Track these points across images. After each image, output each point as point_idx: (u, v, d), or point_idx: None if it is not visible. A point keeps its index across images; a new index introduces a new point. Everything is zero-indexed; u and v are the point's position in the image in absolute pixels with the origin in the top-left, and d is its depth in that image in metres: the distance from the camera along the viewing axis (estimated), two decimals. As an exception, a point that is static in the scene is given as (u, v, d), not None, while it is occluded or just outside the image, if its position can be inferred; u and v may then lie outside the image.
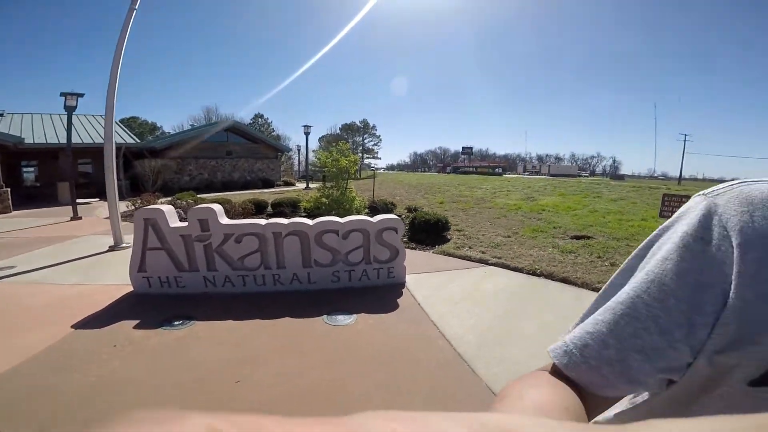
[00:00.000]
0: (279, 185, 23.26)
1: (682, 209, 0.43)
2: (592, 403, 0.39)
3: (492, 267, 5.10)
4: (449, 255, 5.72)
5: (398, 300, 3.85)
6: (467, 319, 3.36)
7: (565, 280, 4.47)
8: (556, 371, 0.42)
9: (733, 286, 0.35)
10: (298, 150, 37.95)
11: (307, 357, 2.71)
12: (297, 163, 50.28)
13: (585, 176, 68.09)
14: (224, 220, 4.09)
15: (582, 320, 0.45)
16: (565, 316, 3.47)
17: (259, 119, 64.83)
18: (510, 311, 3.56)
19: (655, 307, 0.37)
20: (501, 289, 4.22)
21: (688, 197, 4.41)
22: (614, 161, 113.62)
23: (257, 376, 2.46)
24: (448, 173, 55.43)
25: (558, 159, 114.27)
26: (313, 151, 18.80)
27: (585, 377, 0.39)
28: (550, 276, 4.63)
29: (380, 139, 73.87)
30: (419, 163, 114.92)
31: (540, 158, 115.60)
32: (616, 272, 0.46)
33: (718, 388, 0.37)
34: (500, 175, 49.15)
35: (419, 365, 2.62)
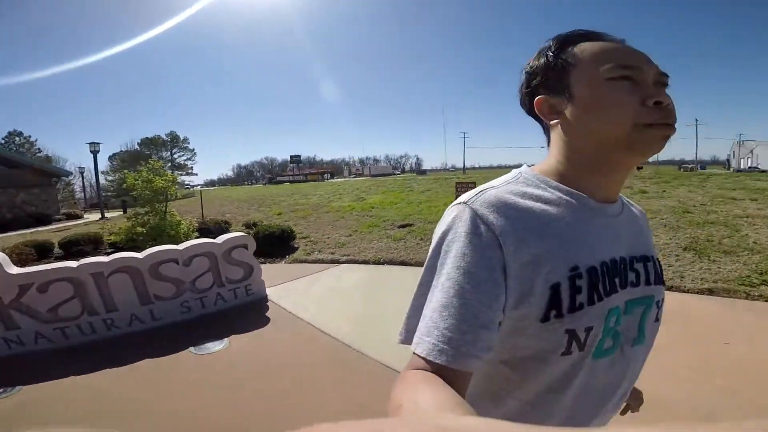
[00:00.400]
0: (59, 219, 17.79)
1: (453, 216, 0.53)
2: (456, 386, 0.42)
3: (345, 264, 5.57)
4: (302, 261, 5.88)
5: (266, 314, 3.83)
6: (340, 313, 3.67)
7: (403, 263, 5.35)
8: (419, 367, 0.45)
9: (506, 263, 0.49)
10: (81, 173, 29.78)
11: (190, 394, 2.43)
12: (82, 189, 39.34)
13: (398, 174, 78.71)
14: (13, 269, 3.16)
15: (412, 315, 0.52)
16: (412, 294, 4.17)
17: (17, 137, 47.89)
18: (373, 297, 4.07)
19: (476, 291, 0.46)
20: (359, 281, 4.71)
21: (474, 183, 6.02)
22: (418, 159, 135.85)
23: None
24: (265, 184, 54.31)
25: (376, 160, 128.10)
26: (103, 172, 15.22)
27: (464, 363, 0.44)
28: (391, 262, 5.44)
29: (194, 153, 65.77)
30: (245, 176, 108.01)
31: (362, 161, 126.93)
32: (423, 273, 0.54)
33: (525, 329, 0.51)
34: (327, 180, 51.47)
35: (315, 364, 2.75)
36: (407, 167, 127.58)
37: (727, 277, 4.14)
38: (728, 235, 5.63)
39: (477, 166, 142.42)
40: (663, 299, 0.62)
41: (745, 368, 2.45)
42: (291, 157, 78.19)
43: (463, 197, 0.55)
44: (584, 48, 0.56)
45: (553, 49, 0.58)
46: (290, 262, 6.00)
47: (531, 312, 0.50)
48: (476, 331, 0.45)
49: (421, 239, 6.74)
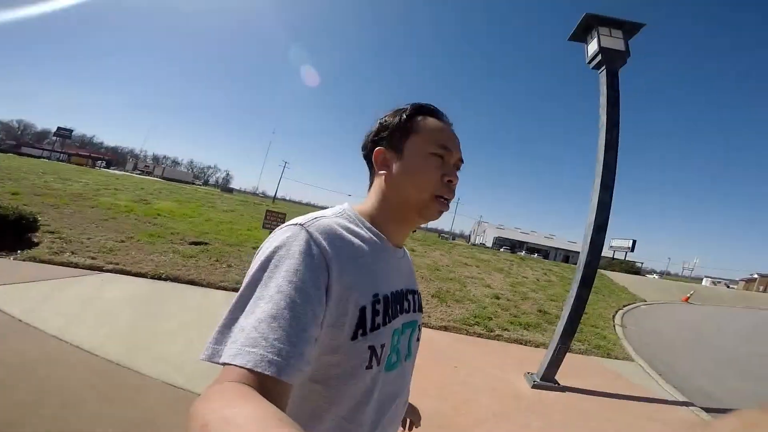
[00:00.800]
0: None
1: (287, 235, 0.56)
2: (278, 401, 0.41)
3: (110, 274, 4.68)
4: (45, 262, 4.58)
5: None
6: (102, 328, 3.11)
7: (192, 282, 4.98)
8: (234, 380, 0.42)
9: (330, 285, 0.54)
10: None
11: None
12: None
13: (199, 185, 70.08)
14: None
15: (225, 328, 0.49)
16: (202, 314, 3.95)
17: None
18: (147, 314, 3.60)
19: (306, 306, 0.49)
20: (130, 295, 4.08)
21: (284, 214, 6.41)
22: (228, 174, 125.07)
23: None
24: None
25: (176, 163, 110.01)
26: None
27: (292, 376, 0.44)
28: (177, 280, 4.96)
29: None
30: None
31: (156, 158, 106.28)
32: (244, 286, 0.52)
33: (338, 347, 0.56)
34: (100, 168, 40.76)
35: (65, 378, 2.23)
36: (212, 180, 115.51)
37: (456, 318, 5.92)
38: (459, 289, 8.11)
39: (288, 198, 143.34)
40: (422, 323, 0.79)
41: (468, 385, 3.53)
42: (58, 128, 58.01)
43: (299, 220, 0.60)
44: (426, 122, 0.70)
45: (406, 114, 0.70)
46: (26, 260, 4.55)
47: (343, 331, 0.56)
48: (304, 344, 0.47)
49: (217, 260, 6.39)
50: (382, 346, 0.61)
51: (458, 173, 0.71)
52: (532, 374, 4.01)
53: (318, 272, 0.53)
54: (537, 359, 4.23)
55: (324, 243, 0.56)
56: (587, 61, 4.35)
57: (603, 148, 3.95)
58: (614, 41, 4.04)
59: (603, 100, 4.05)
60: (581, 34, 4.39)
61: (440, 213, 0.68)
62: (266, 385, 0.42)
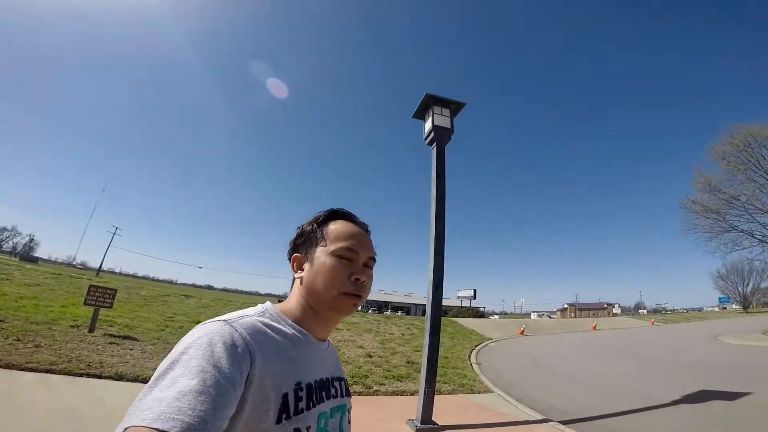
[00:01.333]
0: None
1: (212, 329, 0.60)
2: None
3: None
4: None
5: None
6: None
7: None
8: None
9: (251, 374, 0.59)
10: None
11: None
12: None
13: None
14: None
15: (145, 400, 0.50)
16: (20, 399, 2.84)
17: None
18: None
19: (229, 389, 0.53)
20: None
21: (114, 290, 5.70)
22: (32, 239, 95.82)
23: None
24: None
25: (-64, 224, 79.01)
26: None
27: None
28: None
29: None
30: None
31: None
32: (159, 370, 0.55)
33: (265, 430, 0.59)
34: None
35: None
36: (6, 246, 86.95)
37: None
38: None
39: (118, 270, 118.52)
40: (350, 407, 0.84)
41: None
42: None
43: (225, 317, 0.65)
44: (334, 227, 0.78)
45: (318, 222, 0.79)
46: None
47: (269, 416, 0.60)
48: (224, 421, 0.51)
49: (18, 339, 4.95)
50: (308, 428, 0.65)
51: (372, 270, 0.79)
52: (412, 420, 4.13)
53: (242, 362, 0.58)
54: (414, 407, 4.40)
55: (249, 338, 0.61)
56: (424, 137, 5.07)
57: (434, 218, 4.57)
58: (443, 119, 4.87)
59: (433, 173, 4.73)
60: (420, 113, 5.26)
61: (354, 307, 0.75)
62: None
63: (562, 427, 4.63)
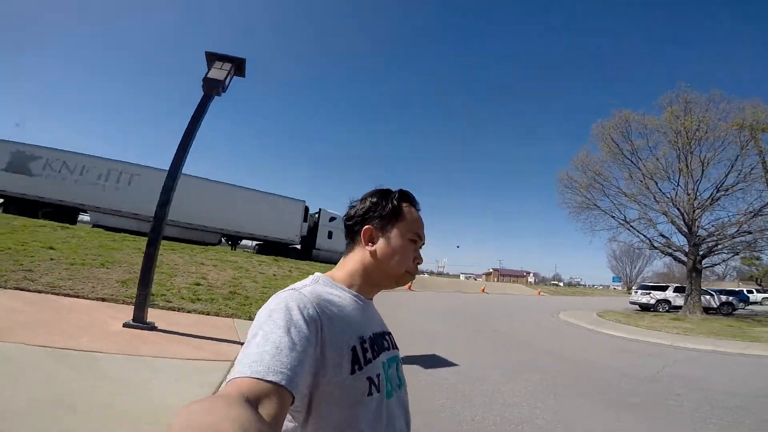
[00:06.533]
0: None
1: (287, 295, 0.71)
2: (277, 410, 0.52)
3: None
4: None
5: None
6: None
7: None
8: (234, 392, 0.50)
9: (323, 335, 0.68)
10: None
11: None
12: None
13: None
14: None
15: (249, 353, 0.59)
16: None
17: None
18: None
19: (307, 345, 0.63)
20: None
21: None
22: None
23: None
24: None
25: None
26: None
27: (295, 389, 0.56)
28: None
29: None
30: None
31: None
32: (249, 335, 0.65)
33: (341, 383, 0.69)
34: None
35: None
36: None
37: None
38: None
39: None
40: (401, 358, 0.92)
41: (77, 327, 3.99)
42: None
43: (295, 286, 0.76)
44: (408, 211, 0.89)
45: (395, 200, 0.87)
46: None
47: (344, 368, 0.69)
48: (302, 374, 0.59)
49: None
50: (378, 375, 0.75)
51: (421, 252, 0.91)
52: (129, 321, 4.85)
53: (313, 324, 0.67)
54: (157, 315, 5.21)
55: (315, 301, 0.71)
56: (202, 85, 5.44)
57: (176, 150, 5.29)
58: (219, 72, 5.43)
59: (194, 114, 5.37)
60: (209, 65, 5.57)
61: (409, 281, 0.89)
62: (269, 394, 0.52)
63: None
